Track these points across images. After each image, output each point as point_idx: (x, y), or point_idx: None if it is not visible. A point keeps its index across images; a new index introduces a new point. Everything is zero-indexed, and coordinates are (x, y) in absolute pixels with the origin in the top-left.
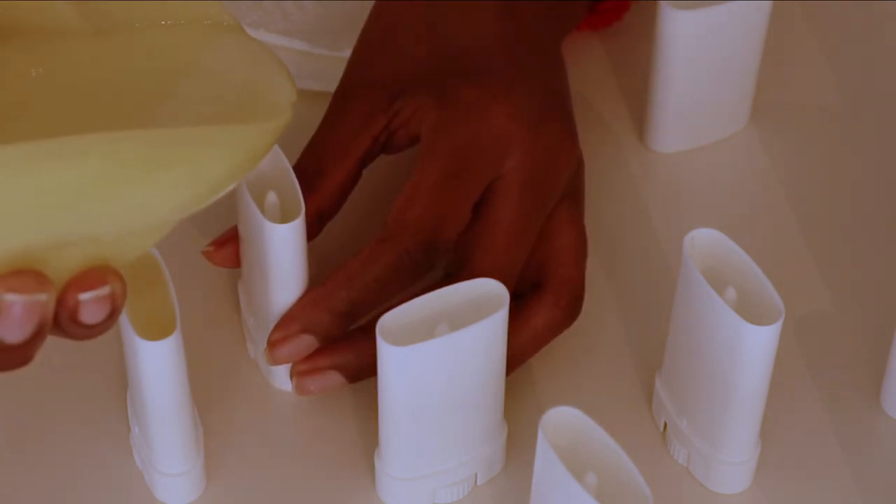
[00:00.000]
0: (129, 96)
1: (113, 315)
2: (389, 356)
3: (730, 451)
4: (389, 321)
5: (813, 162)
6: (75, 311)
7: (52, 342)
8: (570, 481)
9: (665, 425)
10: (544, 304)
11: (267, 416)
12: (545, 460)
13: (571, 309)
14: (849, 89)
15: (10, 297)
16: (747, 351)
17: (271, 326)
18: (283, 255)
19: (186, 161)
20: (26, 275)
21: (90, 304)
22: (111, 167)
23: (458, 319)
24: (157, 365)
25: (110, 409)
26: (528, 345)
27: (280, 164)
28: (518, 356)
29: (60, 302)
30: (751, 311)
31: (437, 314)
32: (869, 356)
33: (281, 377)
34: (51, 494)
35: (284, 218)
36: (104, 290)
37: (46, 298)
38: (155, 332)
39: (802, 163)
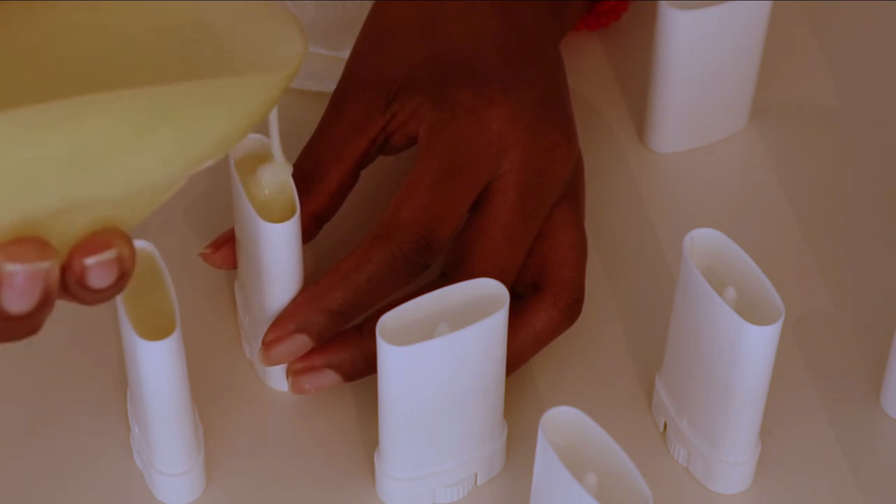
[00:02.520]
0: (137, 52)
1: (123, 278)
2: (389, 356)
3: (730, 451)
4: (389, 321)
5: (813, 162)
6: (82, 276)
7: (51, 339)
8: (570, 481)
9: (665, 425)
10: (544, 305)
11: (267, 416)
12: (545, 460)
13: (571, 310)
14: (849, 89)
15: (12, 267)
16: (747, 351)
17: (266, 326)
18: (277, 255)
19: (185, 118)
20: (28, 243)
21: (97, 269)
22: (108, 128)
23: (458, 319)
24: (157, 365)
25: (110, 409)
26: (528, 346)
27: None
28: (518, 357)
29: (67, 267)
30: (751, 311)
31: (437, 314)
32: (869, 356)
33: (276, 377)
34: (51, 494)
35: (281, 218)
36: (110, 254)
37: (49, 266)
38: (155, 332)
39: (802, 163)
